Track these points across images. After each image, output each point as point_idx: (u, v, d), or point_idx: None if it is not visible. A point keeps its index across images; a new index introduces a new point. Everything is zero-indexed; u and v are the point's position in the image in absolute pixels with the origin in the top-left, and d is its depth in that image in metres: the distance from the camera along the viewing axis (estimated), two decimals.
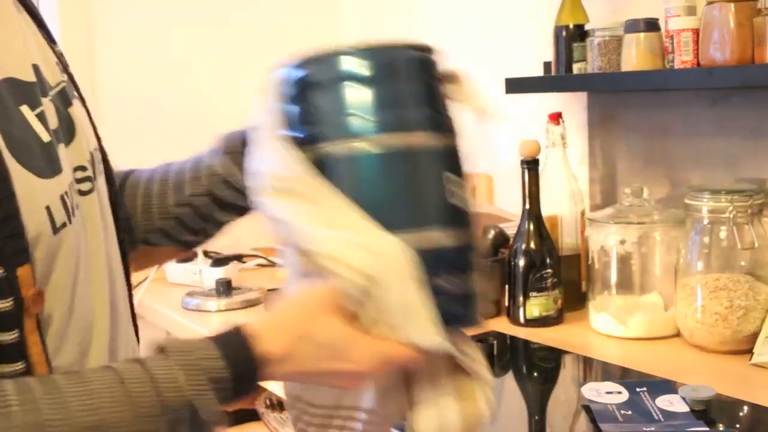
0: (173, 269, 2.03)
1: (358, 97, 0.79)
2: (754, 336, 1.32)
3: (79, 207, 0.80)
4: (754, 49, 1.32)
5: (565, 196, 1.63)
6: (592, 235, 1.52)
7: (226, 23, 2.39)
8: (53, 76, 0.84)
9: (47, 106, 0.79)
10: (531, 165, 1.55)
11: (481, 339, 1.45)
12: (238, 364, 0.71)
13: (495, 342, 1.48)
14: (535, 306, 1.53)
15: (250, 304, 1.82)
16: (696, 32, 1.41)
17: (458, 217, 0.79)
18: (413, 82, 0.80)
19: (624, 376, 1.29)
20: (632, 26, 1.50)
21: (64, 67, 0.90)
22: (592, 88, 1.72)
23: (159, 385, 0.69)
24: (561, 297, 1.55)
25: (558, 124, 1.63)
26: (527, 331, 1.52)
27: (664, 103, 1.65)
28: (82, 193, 0.82)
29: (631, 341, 1.44)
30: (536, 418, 1.23)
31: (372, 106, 0.78)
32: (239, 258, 2.10)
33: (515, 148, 1.56)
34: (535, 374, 1.43)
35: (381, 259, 0.74)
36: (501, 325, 1.56)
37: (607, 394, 1.16)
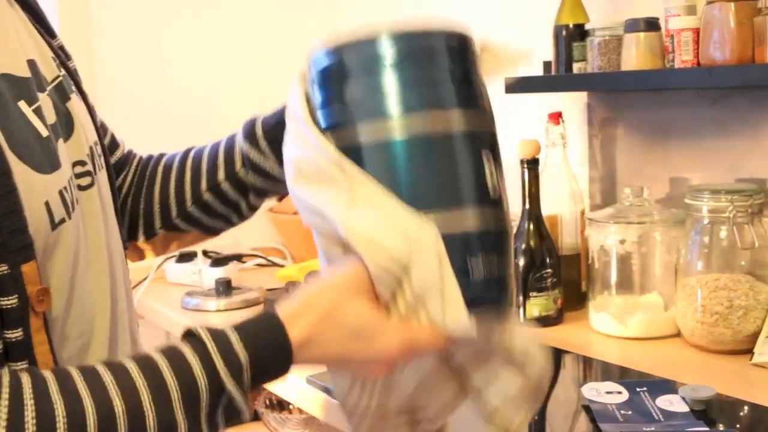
0: (173, 269, 2.03)
1: (391, 81, 0.78)
2: (755, 336, 1.32)
3: (79, 202, 0.80)
4: (754, 49, 1.31)
5: (564, 196, 1.63)
6: (591, 234, 1.52)
7: (225, 23, 2.38)
8: (50, 70, 0.84)
9: (44, 101, 0.79)
10: (531, 164, 1.55)
11: None
12: (262, 352, 0.70)
13: None
14: (535, 306, 1.53)
15: (250, 304, 1.81)
16: (696, 32, 1.40)
17: (495, 199, 0.78)
18: (446, 64, 0.79)
19: (624, 375, 1.29)
20: (632, 26, 1.50)
21: (63, 61, 0.90)
22: (592, 88, 1.72)
23: (182, 372, 0.68)
24: (561, 297, 1.55)
25: (558, 123, 1.63)
26: None
27: (664, 103, 1.65)
28: (81, 188, 0.82)
29: (631, 341, 1.44)
30: (536, 417, 1.23)
31: (405, 89, 0.78)
32: (239, 258, 2.10)
33: (515, 148, 1.56)
34: None
35: (413, 241, 0.73)
36: None
37: (607, 393, 1.16)
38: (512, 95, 1.77)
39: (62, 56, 0.91)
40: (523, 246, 1.54)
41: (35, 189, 0.72)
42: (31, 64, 0.80)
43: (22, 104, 0.75)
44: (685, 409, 1.10)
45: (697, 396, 1.11)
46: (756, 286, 1.33)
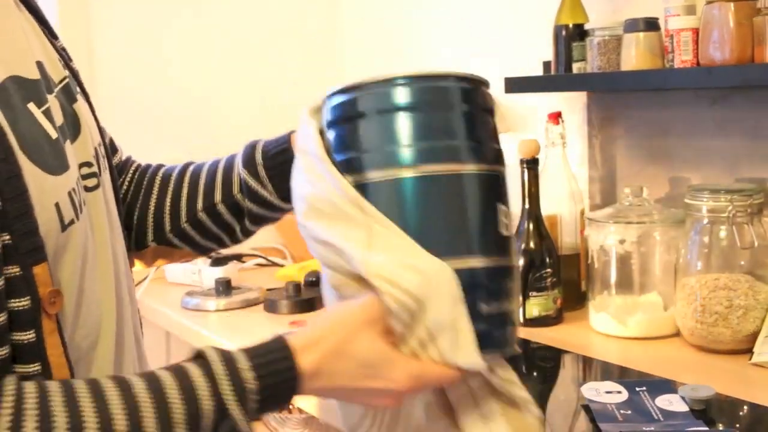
0: (172, 269, 2.03)
1: (405, 126, 0.78)
2: (754, 335, 1.32)
3: (86, 203, 0.80)
4: (753, 49, 1.32)
5: (564, 196, 1.63)
6: (591, 234, 1.52)
7: (225, 22, 2.39)
8: (56, 72, 0.84)
9: (52, 102, 0.79)
10: (530, 164, 1.55)
11: None
12: (269, 377, 0.71)
13: None
14: (535, 306, 1.53)
15: (250, 303, 1.82)
16: (696, 32, 1.40)
17: (502, 245, 0.80)
18: (460, 112, 0.80)
19: (623, 375, 1.29)
20: (632, 26, 1.50)
21: (67, 63, 0.90)
22: (592, 88, 1.72)
23: (188, 393, 0.68)
24: (560, 297, 1.55)
25: (557, 123, 1.63)
26: (527, 330, 1.52)
27: (663, 103, 1.65)
28: (87, 189, 0.82)
29: (631, 341, 1.44)
30: None
31: (418, 134, 0.78)
32: (239, 258, 2.11)
33: (515, 148, 1.56)
34: (535, 374, 1.42)
35: (427, 279, 0.74)
36: None
37: (606, 393, 1.16)
38: (512, 95, 1.78)
39: (66, 57, 0.91)
40: (523, 246, 1.55)
41: (46, 190, 0.73)
42: (39, 65, 0.81)
43: (32, 106, 0.75)
44: (684, 408, 1.10)
45: (697, 396, 1.11)
46: (755, 286, 1.33)
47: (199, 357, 0.72)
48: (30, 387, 0.65)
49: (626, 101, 1.72)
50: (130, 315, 0.89)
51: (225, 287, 1.83)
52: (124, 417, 0.66)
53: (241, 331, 1.64)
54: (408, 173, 0.77)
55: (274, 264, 2.14)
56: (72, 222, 0.75)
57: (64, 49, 0.92)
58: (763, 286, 1.34)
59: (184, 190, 1.02)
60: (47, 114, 0.77)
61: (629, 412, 1.10)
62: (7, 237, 0.68)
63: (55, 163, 0.75)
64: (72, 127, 0.83)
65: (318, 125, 0.84)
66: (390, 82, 0.79)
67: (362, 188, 0.78)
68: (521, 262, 1.54)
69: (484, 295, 0.78)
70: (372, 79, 0.80)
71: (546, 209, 1.58)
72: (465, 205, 0.78)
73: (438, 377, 0.76)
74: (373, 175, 0.78)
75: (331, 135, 0.82)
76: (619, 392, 1.16)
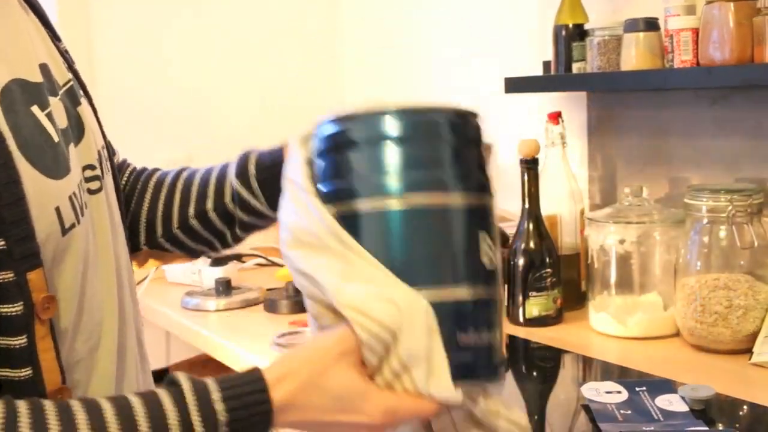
0: (172, 269, 2.03)
1: (392, 157, 0.79)
2: (754, 335, 1.32)
3: (88, 206, 0.80)
4: (753, 49, 1.32)
5: (564, 196, 1.63)
6: (591, 234, 1.52)
7: (225, 22, 2.39)
8: (61, 75, 0.84)
9: (56, 105, 0.79)
10: (530, 164, 1.55)
11: None
12: (242, 410, 0.70)
13: None
14: (535, 305, 1.53)
15: (250, 303, 1.82)
16: (695, 32, 1.41)
17: (487, 276, 0.80)
18: (448, 144, 0.80)
19: (623, 375, 1.29)
20: (632, 26, 1.50)
21: (70, 65, 0.90)
22: (592, 88, 1.72)
23: (157, 421, 0.68)
24: (560, 296, 1.55)
25: (557, 123, 1.63)
26: (527, 330, 1.52)
27: (663, 103, 1.65)
28: (90, 192, 0.82)
29: (631, 341, 1.44)
30: (536, 417, 1.23)
31: (405, 165, 0.78)
32: (238, 258, 2.11)
33: (514, 148, 1.56)
34: (535, 374, 1.43)
35: (399, 310, 0.73)
36: None
37: (606, 393, 1.16)
38: (512, 95, 1.78)
39: (69, 60, 0.91)
40: (523, 246, 1.55)
41: (47, 194, 0.72)
42: (44, 68, 0.80)
43: (35, 109, 0.75)
44: (684, 408, 1.10)
45: (697, 395, 1.11)
46: (755, 286, 1.33)
47: (173, 384, 0.71)
48: None
49: (626, 101, 1.72)
50: (133, 317, 0.89)
51: (225, 287, 1.83)
52: None
53: (241, 331, 1.64)
54: (394, 204, 0.78)
55: (274, 264, 2.14)
56: (73, 226, 0.75)
57: (67, 52, 0.92)
58: (763, 286, 1.34)
59: (177, 197, 1.03)
60: (50, 117, 0.77)
61: (629, 412, 1.10)
62: (2, 242, 0.68)
63: (57, 167, 0.75)
64: (76, 130, 0.83)
65: (306, 155, 0.84)
66: (378, 114, 0.80)
67: (346, 219, 0.79)
68: (521, 261, 1.54)
69: (465, 325, 0.78)
70: (359, 110, 0.81)
71: (546, 209, 1.58)
72: (449, 237, 0.79)
73: (413, 410, 0.74)
74: (359, 206, 0.79)
75: (319, 164, 0.82)
76: (619, 392, 1.16)
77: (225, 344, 1.59)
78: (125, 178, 1.07)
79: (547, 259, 1.54)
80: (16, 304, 0.69)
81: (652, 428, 1.06)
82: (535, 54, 1.83)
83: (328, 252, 0.77)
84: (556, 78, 1.68)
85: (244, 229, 1.03)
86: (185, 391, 0.69)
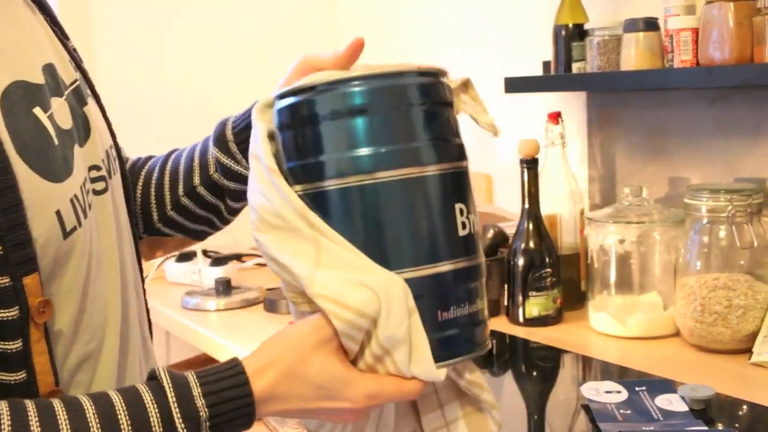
0: (172, 269, 2.04)
1: (362, 129, 0.74)
2: (753, 335, 1.32)
3: (92, 207, 0.79)
4: (753, 49, 1.32)
5: (564, 196, 1.63)
6: (591, 234, 1.52)
7: (225, 23, 2.39)
8: (68, 74, 0.84)
9: (61, 105, 0.79)
10: (530, 164, 1.55)
11: None
12: (223, 405, 0.70)
13: (494, 341, 1.48)
14: (535, 305, 1.53)
15: (250, 303, 1.82)
16: (695, 31, 1.41)
17: (466, 247, 0.77)
18: (419, 110, 0.75)
19: (623, 375, 1.29)
20: (631, 25, 1.50)
21: (78, 64, 0.90)
22: (592, 88, 1.72)
23: (137, 417, 0.68)
24: (560, 296, 1.55)
25: (557, 123, 1.63)
26: (526, 330, 1.52)
27: (663, 103, 1.65)
28: (96, 192, 0.82)
29: (631, 340, 1.44)
30: (535, 417, 1.23)
31: (376, 138, 0.73)
32: (238, 257, 2.11)
33: (514, 148, 1.56)
34: (535, 373, 1.43)
35: (375, 294, 0.72)
36: (500, 324, 1.56)
37: (606, 393, 1.16)
38: (512, 95, 1.78)
39: (77, 59, 0.91)
40: (523, 246, 1.55)
41: (47, 198, 0.72)
42: (50, 68, 0.80)
43: (38, 111, 0.75)
44: (684, 408, 1.10)
45: (696, 395, 1.11)
46: (755, 286, 1.33)
47: (153, 380, 0.71)
48: None
49: (626, 101, 1.72)
50: (137, 316, 0.89)
51: (225, 287, 1.83)
52: None
53: (241, 331, 1.64)
54: (366, 180, 0.73)
55: None
56: (75, 229, 0.75)
57: (75, 50, 0.91)
58: (763, 286, 1.34)
59: (166, 179, 1.02)
60: (51, 119, 0.76)
61: (629, 411, 1.10)
62: None
63: (58, 170, 0.74)
64: (82, 130, 0.82)
65: (267, 126, 0.79)
66: (343, 83, 0.75)
67: (314, 198, 0.74)
68: (521, 261, 1.54)
69: (446, 302, 0.75)
70: (324, 79, 0.76)
71: (546, 209, 1.58)
72: (424, 213, 0.74)
73: (397, 393, 0.74)
74: (326, 184, 0.74)
75: (281, 139, 0.77)
76: (619, 392, 1.16)
77: (225, 344, 1.59)
78: None
79: (547, 259, 1.54)
80: (11, 309, 0.69)
81: (652, 428, 1.06)
82: (535, 54, 1.83)
83: (298, 236, 0.74)
84: (555, 78, 1.68)
85: (235, 198, 1.01)
86: (165, 387, 0.69)
